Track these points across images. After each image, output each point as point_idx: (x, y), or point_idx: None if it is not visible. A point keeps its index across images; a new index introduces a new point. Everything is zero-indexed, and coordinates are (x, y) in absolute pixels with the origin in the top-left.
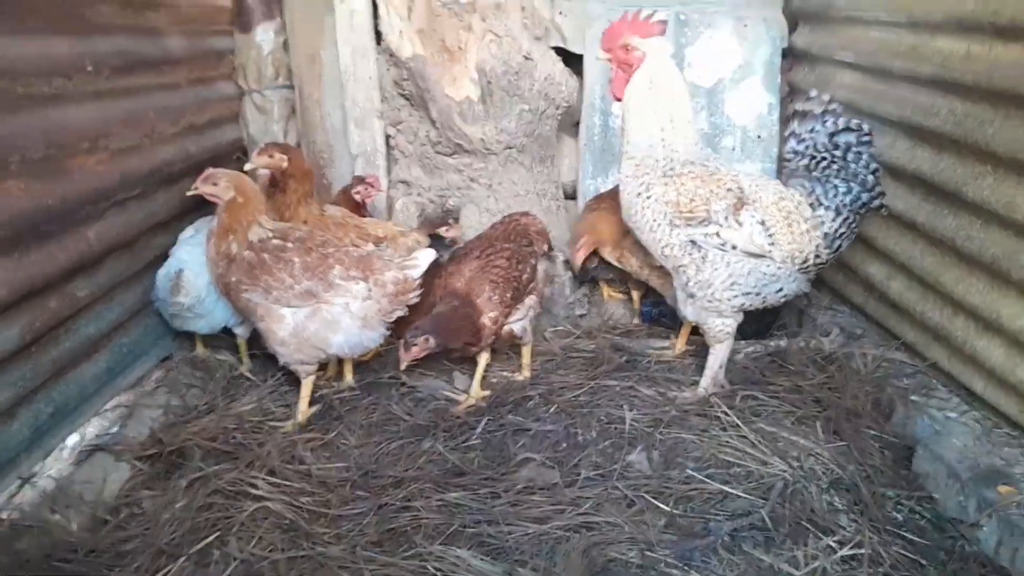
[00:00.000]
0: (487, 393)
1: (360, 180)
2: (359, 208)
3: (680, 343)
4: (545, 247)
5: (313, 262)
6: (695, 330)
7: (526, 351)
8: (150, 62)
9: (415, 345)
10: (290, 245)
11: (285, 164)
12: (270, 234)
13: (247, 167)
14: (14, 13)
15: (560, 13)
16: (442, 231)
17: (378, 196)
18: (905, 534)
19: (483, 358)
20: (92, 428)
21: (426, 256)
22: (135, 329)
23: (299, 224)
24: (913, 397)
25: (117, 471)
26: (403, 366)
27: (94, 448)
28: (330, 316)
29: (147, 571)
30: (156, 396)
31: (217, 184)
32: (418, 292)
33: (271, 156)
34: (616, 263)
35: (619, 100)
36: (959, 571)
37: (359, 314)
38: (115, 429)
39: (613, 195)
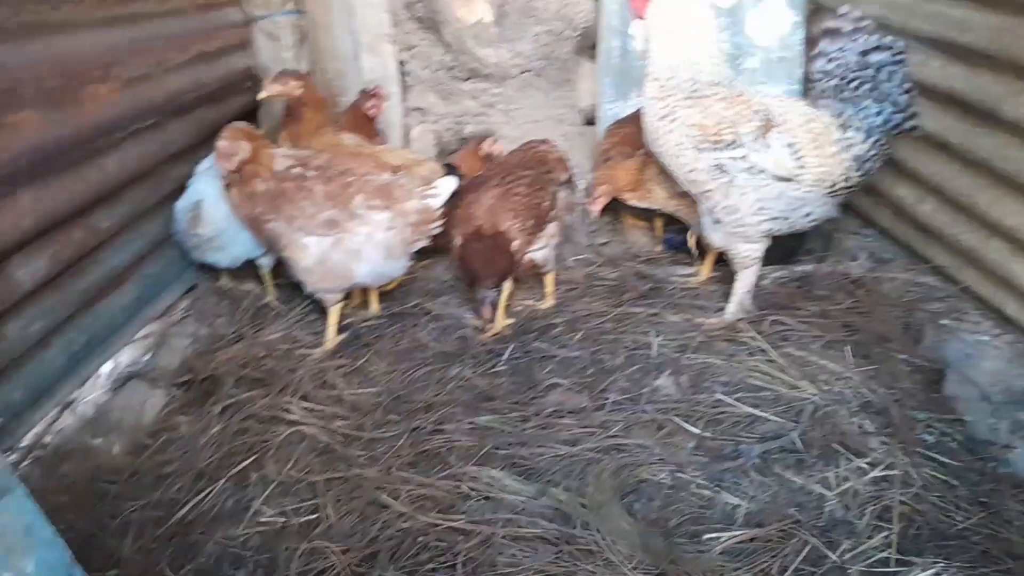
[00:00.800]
0: (512, 321)
1: (366, 94)
2: (370, 123)
3: (705, 270)
4: (564, 176)
5: (334, 191)
6: (720, 257)
7: (549, 279)
8: None
9: (490, 300)
10: (311, 173)
11: (299, 92)
12: (292, 162)
13: (260, 96)
14: None
15: None
16: (486, 144)
17: (391, 120)
18: (936, 456)
19: (506, 287)
20: (125, 356)
21: (447, 185)
22: (159, 260)
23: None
24: (943, 321)
25: (153, 397)
26: (489, 324)
27: (129, 376)
28: (353, 245)
29: (188, 492)
30: (185, 325)
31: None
32: (441, 221)
33: (285, 84)
34: (641, 204)
35: (641, 19)
36: (991, 492)
37: (382, 243)
38: (147, 357)
39: (632, 122)
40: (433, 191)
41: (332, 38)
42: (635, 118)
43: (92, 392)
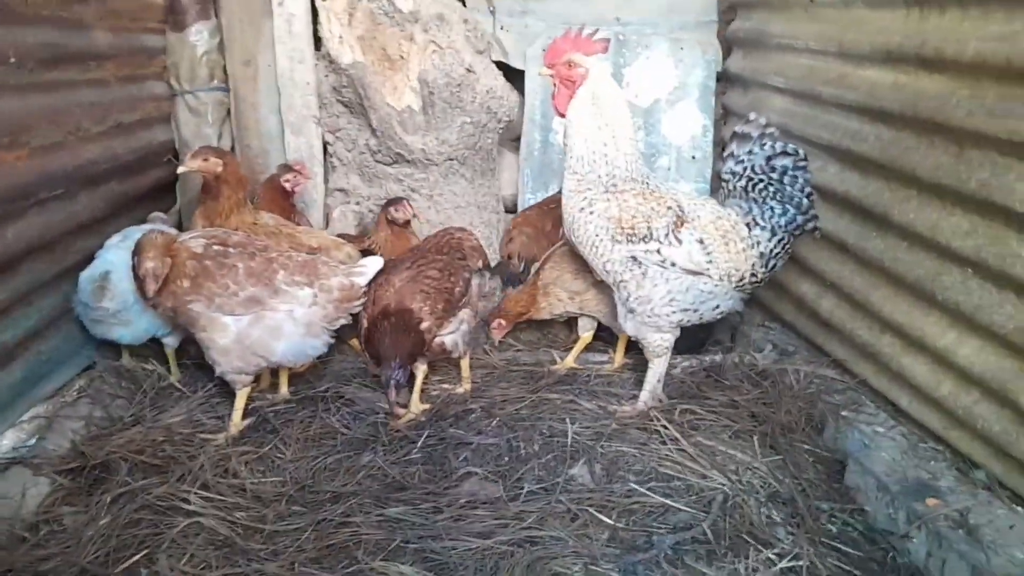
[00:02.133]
0: (427, 406)
1: (287, 168)
2: (287, 198)
3: (618, 357)
4: (479, 263)
5: (257, 267)
6: (632, 344)
7: (464, 363)
8: (76, 56)
9: (397, 381)
10: (232, 250)
11: (220, 169)
12: (210, 241)
13: (180, 170)
14: None
15: (502, 28)
16: (392, 211)
17: (314, 200)
18: (840, 546)
19: (420, 371)
20: (7, 440)
21: (374, 263)
22: (54, 336)
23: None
24: (844, 412)
25: (36, 486)
26: (398, 406)
27: (10, 461)
28: (273, 323)
29: None
30: (78, 407)
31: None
32: (362, 300)
33: (206, 160)
34: (544, 316)
35: (562, 116)
36: None
37: (303, 320)
38: (32, 441)
39: (537, 207)
40: (359, 268)
41: (257, 116)
42: (539, 204)
43: None
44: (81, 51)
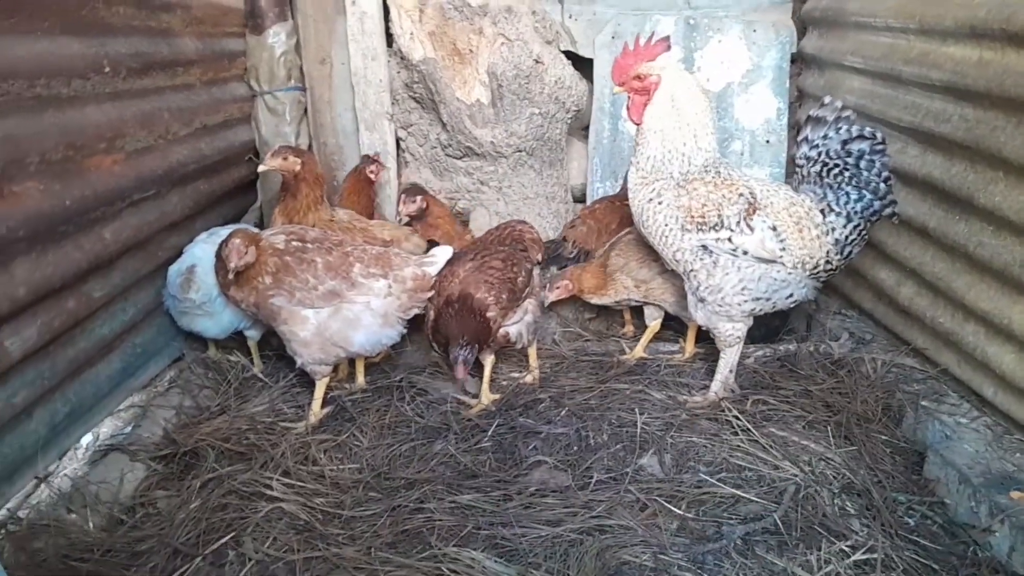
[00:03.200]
0: (497, 396)
1: (368, 159)
2: (370, 186)
3: (689, 347)
4: (539, 256)
5: (335, 261)
6: (703, 334)
7: (532, 352)
8: (164, 63)
9: (464, 358)
10: (310, 246)
11: (298, 168)
12: (290, 237)
13: (260, 168)
14: (33, 14)
15: (570, 17)
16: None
17: (388, 195)
18: (917, 539)
19: (488, 361)
20: (106, 428)
21: (444, 253)
22: (148, 329)
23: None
24: (923, 402)
25: (132, 471)
26: (461, 377)
27: (109, 448)
28: (351, 314)
29: (163, 571)
30: (169, 397)
31: (244, 255)
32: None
33: (285, 159)
34: (603, 302)
35: (638, 124)
36: None
37: (379, 311)
38: (129, 429)
39: (600, 211)
40: (430, 259)
41: (333, 114)
42: (611, 199)
43: (71, 464)
44: (168, 58)
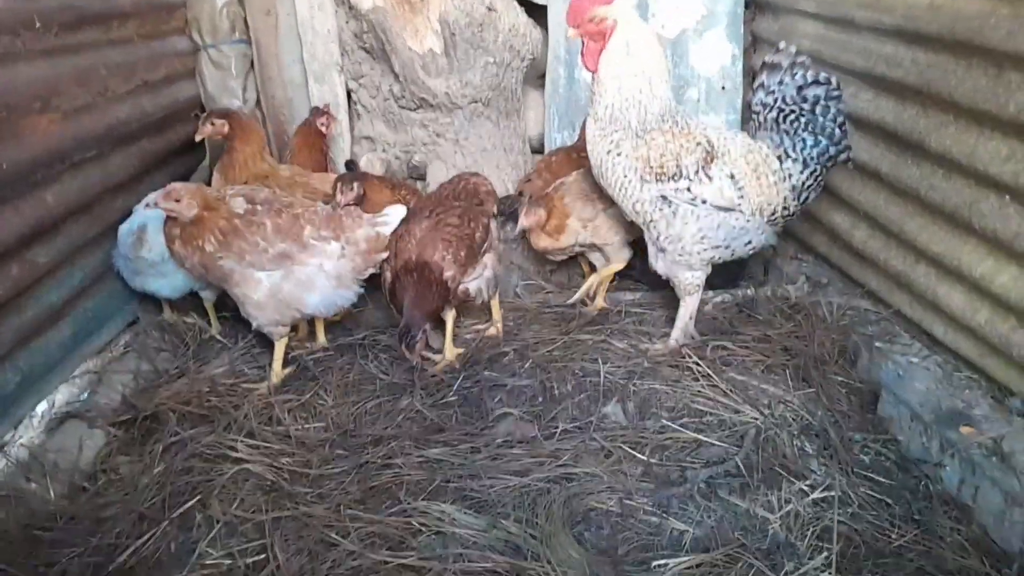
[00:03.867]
0: (461, 351)
1: (318, 111)
2: (322, 139)
3: (598, 301)
4: (495, 208)
5: (285, 224)
6: (661, 282)
7: (495, 305)
8: (98, 17)
9: (416, 342)
10: (259, 208)
11: (225, 129)
12: (242, 201)
13: (197, 138)
14: None
15: None
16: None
17: (340, 148)
18: (872, 476)
19: (450, 317)
20: (61, 395)
21: (396, 212)
22: (99, 294)
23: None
24: (877, 343)
25: (91, 438)
26: (415, 361)
27: (66, 416)
28: (304, 276)
29: (129, 536)
30: (125, 361)
31: (180, 201)
32: (387, 250)
33: (212, 124)
34: (552, 246)
35: (593, 71)
36: (923, 510)
37: (333, 273)
38: (85, 396)
39: (556, 163)
40: (383, 219)
41: (280, 67)
42: (567, 149)
43: (26, 433)
44: (103, 11)
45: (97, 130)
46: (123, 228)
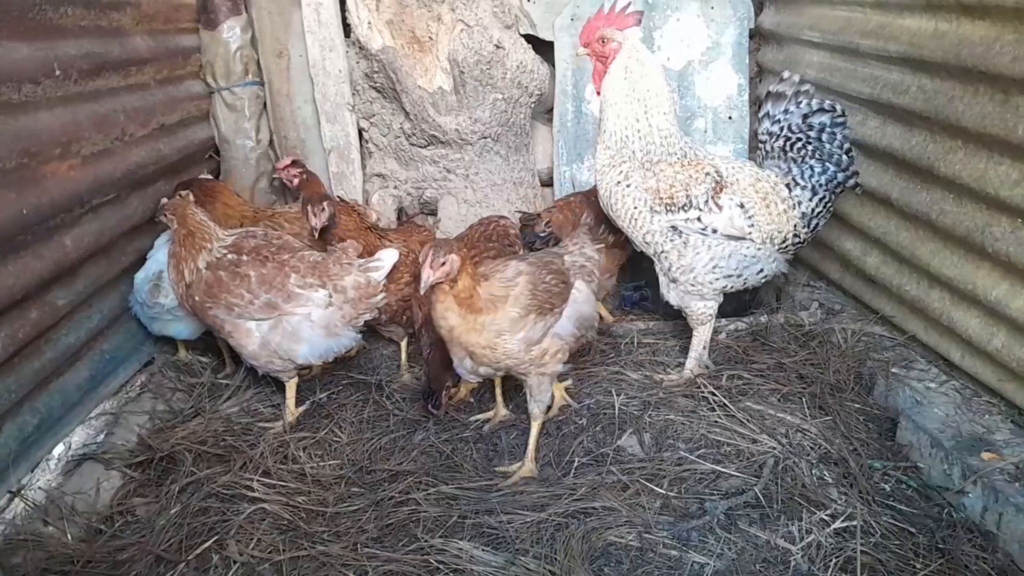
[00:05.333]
0: (475, 386)
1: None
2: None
3: (499, 409)
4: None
5: (269, 274)
6: (673, 313)
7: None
8: (117, 63)
9: (440, 403)
10: (245, 258)
11: (192, 197)
12: (224, 252)
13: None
14: None
15: (529, 0)
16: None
17: (353, 186)
18: (894, 504)
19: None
20: (78, 437)
21: (389, 257)
22: (116, 335)
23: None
24: (893, 369)
25: (108, 479)
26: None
27: (83, 457)
28: (290, 327)
29: None
30: (141, 402)
31: (164, 215)
32: (383, 295)
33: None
34: None
35: (598, 93)
36: (947, 538)
37: (320, 323)
38: (101, 437)
39: (576, 203)
40: (375, 263)
41: (292, 107)
42: (585, 193)
43: (44, 476)
44: (121, 57)
45: (115, 174)
46: (139, 276)
